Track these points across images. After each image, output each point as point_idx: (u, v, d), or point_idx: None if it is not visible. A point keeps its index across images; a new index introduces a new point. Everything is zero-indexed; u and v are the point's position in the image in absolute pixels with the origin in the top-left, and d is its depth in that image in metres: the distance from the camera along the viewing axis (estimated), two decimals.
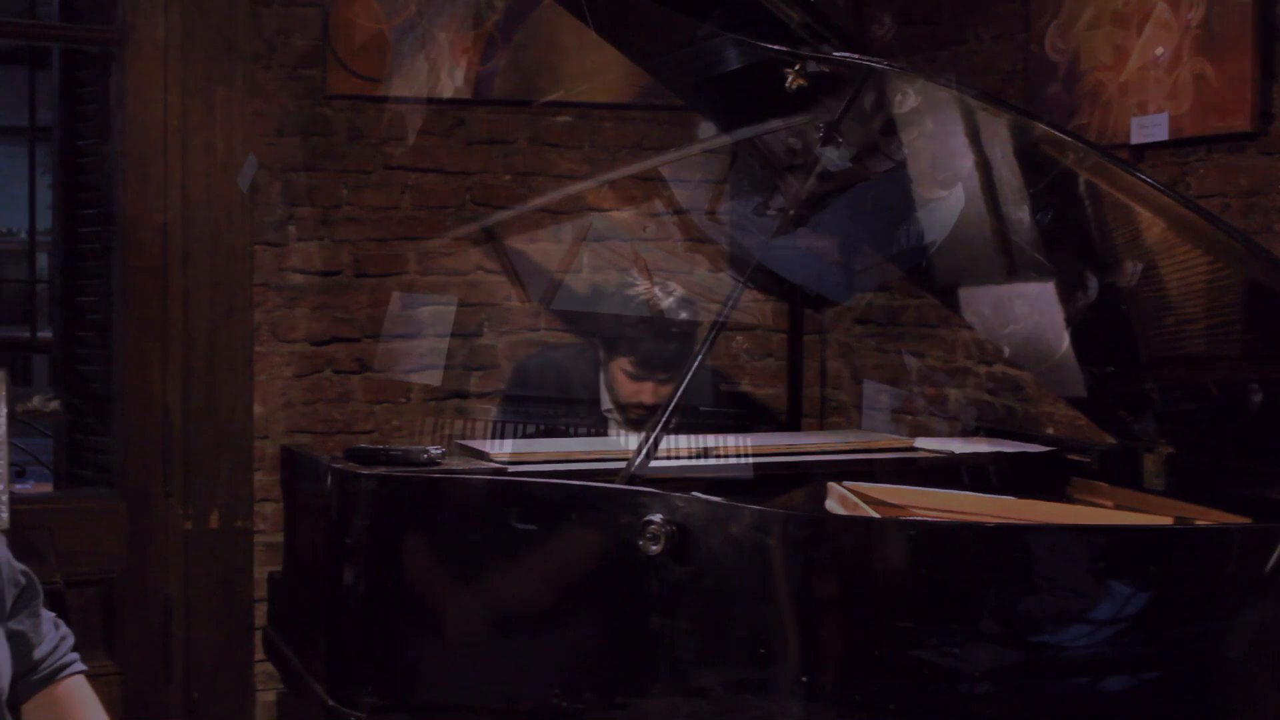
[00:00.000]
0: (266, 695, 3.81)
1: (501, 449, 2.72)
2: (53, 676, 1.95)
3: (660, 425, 2.39)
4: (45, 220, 4.37)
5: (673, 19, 2.78)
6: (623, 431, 3.23)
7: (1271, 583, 2.06)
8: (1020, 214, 2.63)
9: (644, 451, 2.37)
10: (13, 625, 1.89)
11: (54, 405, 3.82)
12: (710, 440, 2.75)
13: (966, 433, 3.38)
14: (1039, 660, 2.08)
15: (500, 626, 2.39)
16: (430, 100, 3.84)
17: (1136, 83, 3.19)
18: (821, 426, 4.20)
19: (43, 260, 5.13)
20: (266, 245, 3.80)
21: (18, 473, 3.62)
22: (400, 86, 3.82)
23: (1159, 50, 3.12)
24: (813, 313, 4.12)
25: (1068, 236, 2.63)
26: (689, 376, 2.46)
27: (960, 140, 2.59)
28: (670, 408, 2.41)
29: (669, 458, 2.59)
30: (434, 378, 3.90)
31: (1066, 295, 2.63)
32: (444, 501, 2.43)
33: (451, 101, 3.90)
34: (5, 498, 3.27)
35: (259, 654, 3.59)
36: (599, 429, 3.27)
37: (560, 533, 2.36)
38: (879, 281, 3.89)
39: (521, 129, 4.02)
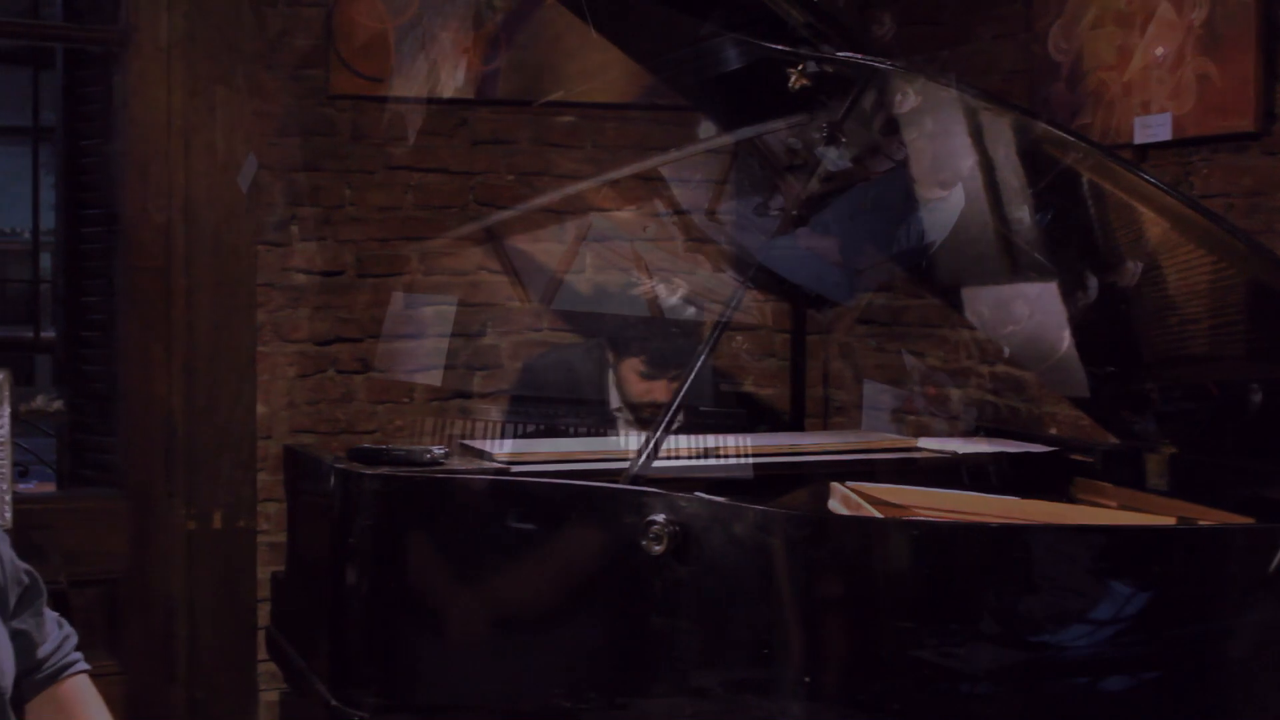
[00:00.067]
0: (269, 695, 3.81)
1: (504, 449, 2.72)
2: (56, 675, 1.95)
3: (663, 426, 2.39)
4: (48, 220, 4.36)
5: (675, 19, 2.79)
6: (630, 431, 3.23)
7: (1274, 583, 2.05)
8: (1023, 214, 2.63)
9: (647, 452, 2.38)
10: (16, 624, 1.90)
11: (57, 405, 3.83)
12: (713, 440, 2.75)
13: (968, 433, 3.38)
14: (1042, 661, 2.08)
15: (503, 626, 2.39)
16: (433, 100, 3.85)
17: (1140, 82, 3.19)
18: (824, 427, 4.19)
19: (46, 260, 5.13)
20: (269, 245, 3.80)
21: (21, 472, 3.62)
22: (403, 87, 3.82)
23: (1158, 50, 3.12)
24: (815, 313, 4.12)
25: (1070, 236, 2.63)
26: (691, 377, 2.46)
27: (963, 140, 2.59)
28: (673, 408, 2.42)
29: (672, 458, 2.59)
30: (435, 378, 3.90)
31: (1069, 295, 2.63)
32: (447, 502, 2.43)
33: (454, 101, 3.90)
34: (8, 497, 3.27)
35: (262, 654, 3.59)
36: (607, 429, 3.27)
37: (563, 533, 2.36)
38: (881, 282, 3.89)
39: (524, 129, 4.02)
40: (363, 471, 2.43)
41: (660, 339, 3.24)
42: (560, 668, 2.32)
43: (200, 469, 3.72)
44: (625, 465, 2.40)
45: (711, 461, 2.69)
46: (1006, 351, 3.38)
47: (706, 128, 3.58)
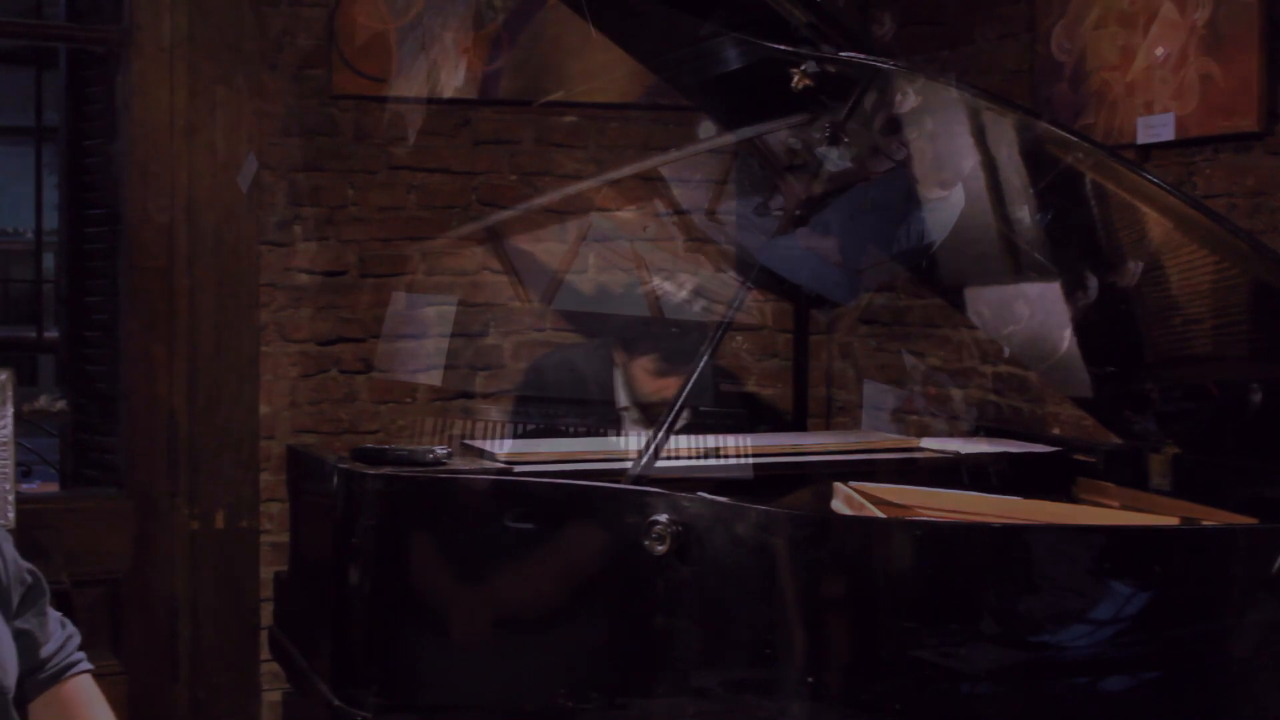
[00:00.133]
0: (272, 695, 3.81)
1: (506, 449, 2.72)
2: (59, 675, 1.95)
3: (666, 426, 2.39)
4: (51, 220, 4.37)
5: (676, 18, 2.78)
6: (636, 430, 3.23)
7: (1277, 583, 2.05)
8: (1026, 214, 2.62)
9: (650, 452, 2.38)
10: (19, 624, 1.90)
11: (60, 405, 3.83)
12: (716, 440, 2.75)
13: (969, 433, 3.38)
14: (1046, 661, 2.08)
15: (505, 626, 2.39)
16: (436, 100, 3.85)
17: (1143, 82, 3.18)
18: (827, 427, 4.19)
19: (49, 260, 5.14)
20: (272, 245, 3.80)
21: (24, 472, 3.62)
22: (405, 87, 3.82)
23: (1159, 50, 3.12)
24: (818, 313, 4.11)
25: (1073, 236, 2.63)
26: (694, 378, 2.46)
27: (965, 140, 2.59)
28: (676, 408, 2.41)
29: (674, 458, 2.59)
30: (435, 378, 3.90)
31: (1072, 295, 2.63)
32: (450, 501, 2.43)
33: (457, 101, 3.90)
34: (11, 497, 3.27)
35: (265, 654, 3.60)
36: (614, 428, 3.27)
37: (566, 533, 2.36)
38: (883, 281, 3.89)
39: (527, 129, 4.02)
40: (365, 471, 2.43)
41: (671, 336, 3.24)
42: (563, 668, 2.32)
43: (203, 469, 3.72)
44: (628, 465, 2.40)
45: (714, 462, 2.69)
46: (1006, 351, 3.37)
47: (706, 127, 3.58)
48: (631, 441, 2.78)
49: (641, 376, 3.27)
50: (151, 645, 3.69)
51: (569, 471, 2.51)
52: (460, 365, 3.97)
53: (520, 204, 3.96)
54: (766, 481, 2.61)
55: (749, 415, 3.73)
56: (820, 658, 2.14)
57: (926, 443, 3.00)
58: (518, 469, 2.52)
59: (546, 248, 3.99)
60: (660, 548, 2.20)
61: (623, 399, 3.32)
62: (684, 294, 3.33)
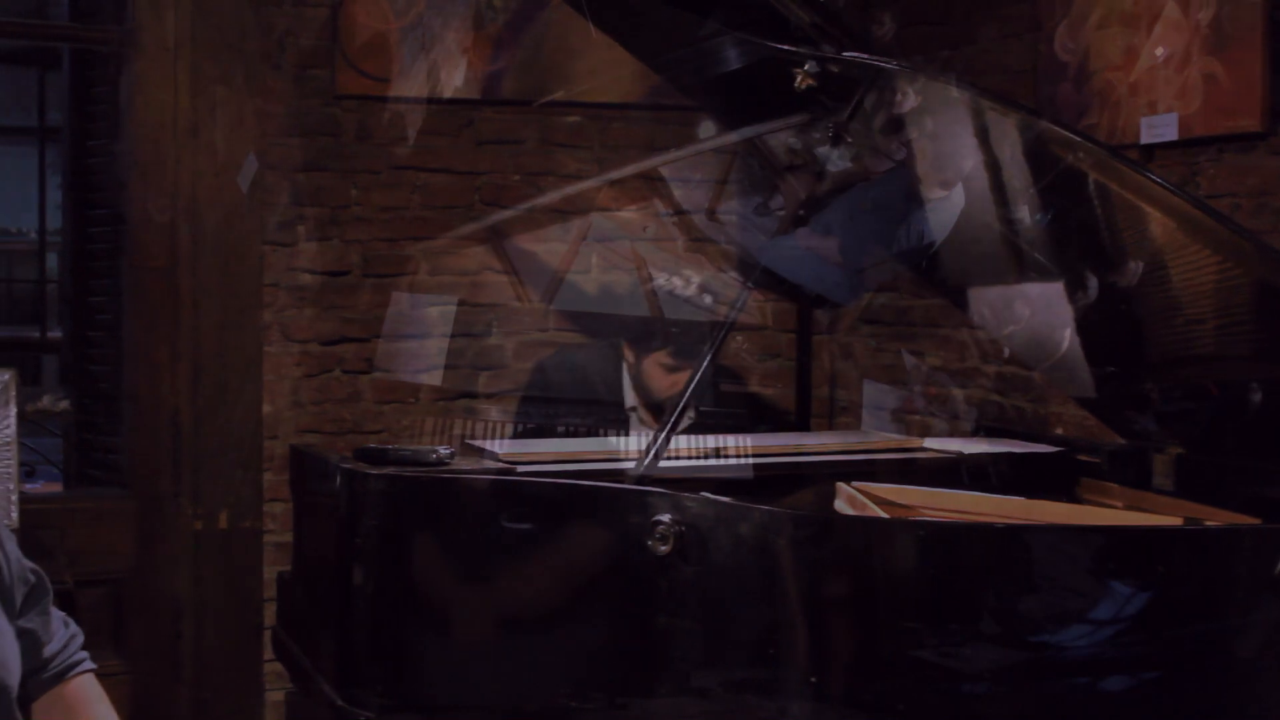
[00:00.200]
0: (275, 695, 3.81)
1: (509, 449, 2.72)
2: (62, 674, 1.95)
3: (669, 426, 2.39)
4: (55, 220, 4.38)
5: (678, 17, 2.78)
6: (642, 430, 3.23)
7: None
8: (1029, 214, 2.62)
9: (653, 452, 2.38)
10: (23, 623, 1.90)
11: (63, 405, 3.83)
12: (719, 441, 2.75)
13: (971, 433, 3.38)
14: (1050, 662, 2.07)
15: (509, 626, 2.39)
16: (439, 100, 3.85)
17: (1146, 82, 3.18)
18: (830, 427, 4.19)
19: (53, 260, 5.14)
20: (275, 245, 3.80)
21: (27, 472, 3.62)
22: (408, 87, 3.82)
23: (1159, 50, 3.11)
24: (819, 313, 4.11)
25: (1077, 237, 2.63)
26: (697, 378, 2.46)
27: (968, 140, 2.59)
28: (679, 409, 2.41)
29: (677, 458, 2.59)
30: (436, 378, 3.90)
31: (1075, 295, 2.63)
32: (453, 502, 2.43)
33: (460, 101, 3.90)
34: (15, 497, 3.28)
35: (268, 654, 3.59)
36: (621, 428, 3.27)
37: (569, 533, 2.36)
38: (886, 282, 3.88)
39: (530, 129, 4.02)
40: (368, 471, 2.43)
41: (682, 331, 3.24)
42: (566, 668, 2.32)
43: (206, 469, 3.72)
44: (631, 465, 2.40)
45: (717, 462, 2.69)
46: (1006, 352, 3.37)
47: (706, 127, 3.58)
48: (634, 442, 2.78)
49: (655, 372, 3.26)
50: (154, 645, 3.69)
51: (572, 472, 2.51)
52: (463, 365, 3.97)
53: (522, 204, 3.96)
54: (769, 482, 2.61)
55: (750, 415, 3.73)
56: (822, 658, 2.14)
57: (929, 443, 3.00)
58: (521, 469, 2.52)
59: (548, 248, 3.99)
60: (663, 548, 2.20)
61: (630, 399, 3.32)
62: (689, 291, 3.33)
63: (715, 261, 3.99)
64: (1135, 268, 2.50)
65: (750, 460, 2.71)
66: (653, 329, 3.29)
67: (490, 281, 4.00)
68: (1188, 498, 2.57)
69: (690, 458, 2.65)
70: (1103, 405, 2.90)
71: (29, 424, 3.68)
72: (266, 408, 3.80)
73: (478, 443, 2.80)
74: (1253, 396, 2.44)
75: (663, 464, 2.40)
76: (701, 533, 2.21)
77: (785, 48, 2.55)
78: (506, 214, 3.97)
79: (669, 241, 4.09)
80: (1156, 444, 2.70)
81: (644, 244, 4.03)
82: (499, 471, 2.51)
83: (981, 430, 3.34)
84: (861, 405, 4.11)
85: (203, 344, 3.72)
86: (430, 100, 3.83)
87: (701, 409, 3.25)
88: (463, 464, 2.55)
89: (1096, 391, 2.80)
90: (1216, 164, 3.06)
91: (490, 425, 3.85)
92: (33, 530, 3.33)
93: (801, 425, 3.68)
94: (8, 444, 3.29)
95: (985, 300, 2.99)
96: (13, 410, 3.27)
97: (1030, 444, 3.01)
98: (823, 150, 2.66)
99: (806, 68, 2.54)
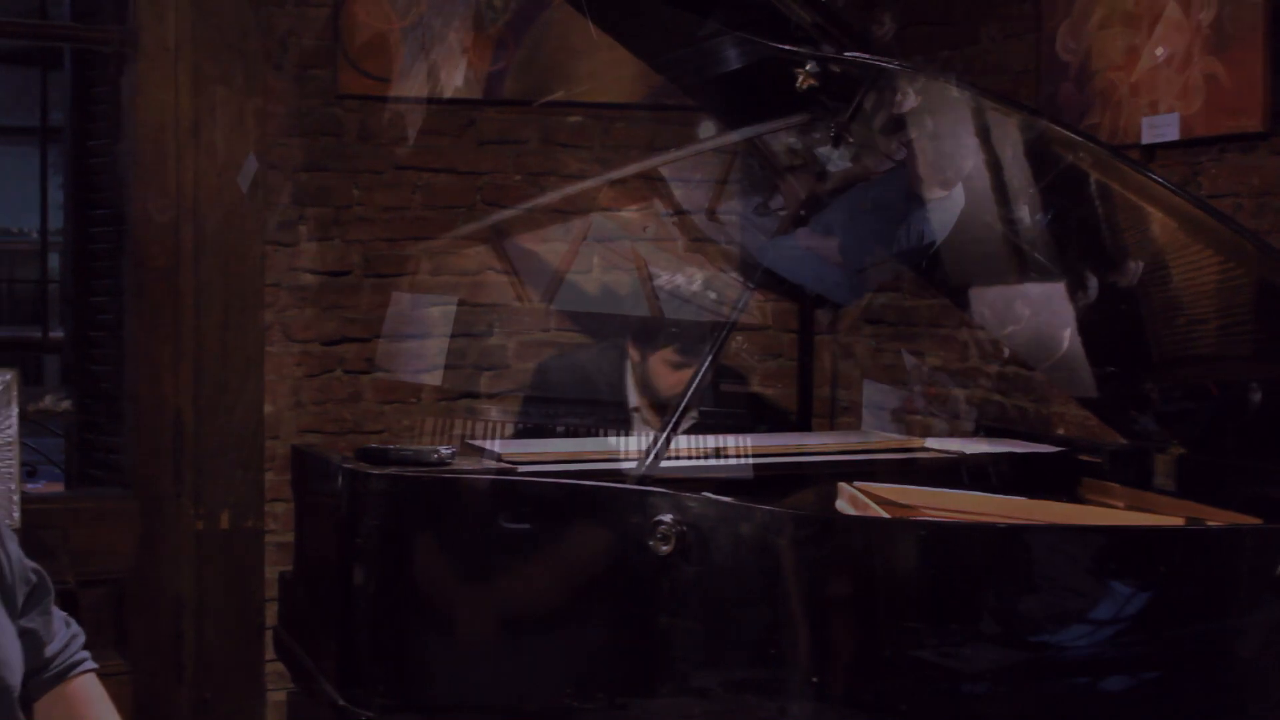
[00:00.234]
0: (277, 695, 3.81)
1: (510, 449, 2.72)
2: (64, 674, 1.95)
3: (671, 426, 2.39)
4: (57, 220, 4.37)
5: (680, 17, 2.78)
6: (644, 430, 3.23)
7: None
8: (1031, 214, 2.62)
9: (654, 452, 2.38)
10: (24, 623, 1.90)
11: (65, 405, 3.83)
12: (720, 441, 2.75)
13: (972, 432, 3.38)
14: (1052, 662, 2.07)
15: (510, 626, 2.39)
16: (440, 100, 3.85)
17: (1148, 82, 3.18)
18: (831, 427, 4.18)
19: (54, 260, 5.14)
20: (277, 245, 3.80)
21: (29, 472, 3.62)
22: (410, 87, 3.83)
23: (1160, 50, 3.11)
24: (820, 313, 4.11)
25: (1078, 237, 2.62)
26: (698, 379, 2.46)
27: (970, 140, 2.59)
28: (681, 409, 2.41)
29: (678, 458, 2.59)
30: (437, 378, 3.90)
31: (1076, 295, 2.63)
32: (454, 502, 2.43)
33: (462, 101, 3.90)
34: (17, 497, 3.28)
35: (270, 653, 3.59)
36: (624, 429, 3.27)
37: (570, 533, 2.36)
38: (887, 282, 3.88)
39: (532, 129, 4.02)
40: (370, 471, 2.43)
41: (683, 331, 3.24)
42: (567, 668, 2.32)
43: (208, 469, 3.73)
44: (632, 465, 2.40)
45: (719, 462, 2.69)
46: (1007, 352, 3.37)
47: (707, 127, 3.58)
48: (635, 442, 2.78)
49: (661, 371, 3.26)
50: (156, 645, 3.69)
51: (573, 472, 2.51)
52: (465, 365, 3.97)
53: (523, 204, 3.96)
54: (770, 482, 2.61)
55: (751, 415, 3.73)
56: (823, 658, 2.14)
57: (930, 443, 2.99)
58: (522, 469, 2.52)
59: (549, 248, 3.99)
60: (664, 548, 2.20)
61: (634, 399, 3.32)
62: (691, 289, 3.33)
63: (716, 261, 3.99)
64: (1136, 267, 2.50)
65: (751, 460, 2.71)
66: (656, 328, 3.28)
67: (491, 281, 4.00)
68: (1189, 498, 2.57)
69: (691, 458, 2.65)
70: (1104, 405, 2.90)
71: (31, 424, 3.69)
72: (268, 408, 3.80)
73: (479, 443, 2.80)
74: (1254, 396, 2.44)
75: (664, 464, 2.40)
76: (703, 533, 2.21)
77: (786, 48, 2.55)
78: (508, 214, 3.97)
79: (670, 241, 4.09)
80: (1158, 444, 2.70)
81: (645, 244, 4.03)
82: (500, 472, 2.51)
83: (982, 430, 3.34)
84: (862, 405, 4.11)
85: (204, 344, 3.72)
86: (431, 100, 3.84)
87: (703, 409, 3.25)
88: (464, 464, 2.55)
89: (1098, 391, 2.80)
90: (1218, 164, 3.06)
91: (491, 425, 3.85)
92: (34, 530, 3.33)
93: (803, 425, 3.68)
94: (9, 444, 3.29)
95: (986, 300, 2.99)
96: (14, 410, 3.27)
97: (1031, 444, 3.01)
98: (823, 150, 2.66)
99: (807, 68, 2.54)
